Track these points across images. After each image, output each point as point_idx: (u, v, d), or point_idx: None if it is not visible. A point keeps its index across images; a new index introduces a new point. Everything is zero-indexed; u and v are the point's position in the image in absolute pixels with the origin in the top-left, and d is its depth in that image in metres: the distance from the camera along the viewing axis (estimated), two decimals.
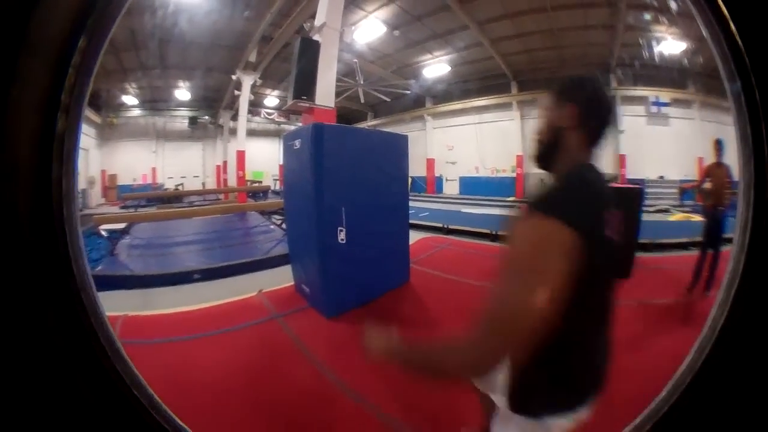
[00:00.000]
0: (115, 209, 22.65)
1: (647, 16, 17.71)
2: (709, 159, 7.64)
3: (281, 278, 8.37)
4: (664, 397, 1.41)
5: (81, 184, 24.99)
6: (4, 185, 1.14)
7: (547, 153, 1.99)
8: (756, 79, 1.20)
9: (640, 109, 23.55)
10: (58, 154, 1.24)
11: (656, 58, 20.31)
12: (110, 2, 1.26)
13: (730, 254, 1.35)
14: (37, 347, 1.19)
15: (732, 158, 7.34)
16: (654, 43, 19.45)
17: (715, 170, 7.26)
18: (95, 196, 28.12)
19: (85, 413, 1.28)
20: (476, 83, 28.04)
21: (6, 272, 1.14)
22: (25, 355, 1.18)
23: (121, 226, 13.12)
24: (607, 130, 1.95)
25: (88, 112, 26.12)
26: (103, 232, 11.58)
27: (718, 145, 7.39)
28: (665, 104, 23.11)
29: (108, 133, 30.23)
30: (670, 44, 19.26)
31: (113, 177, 30.05)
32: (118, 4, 1.29)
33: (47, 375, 1.21)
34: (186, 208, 18.42)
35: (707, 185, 7.38)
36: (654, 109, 23.27)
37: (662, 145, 22.95)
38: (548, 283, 1.46)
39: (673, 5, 16.23)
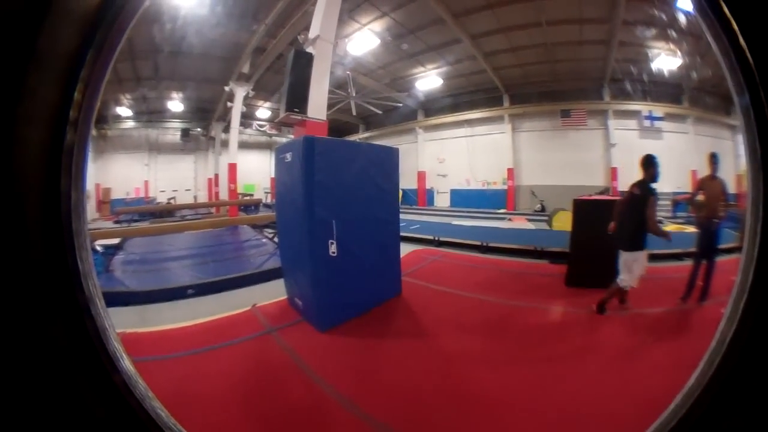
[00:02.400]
0: (109, 224, 22.48)
1: (643, 32, 17.77)
2: (703, 172, 7.79)
3: (274, 292, 8.39)
4: (673, 410, 1.41)
5: None
6: (13, 198, 1.17)
7: None
8: (765, 92, 1.22)
9: (632, 123, 23.57)
10: (67, 168, 1.27)
11: (650, 73, 20.38)
12: (118, 16, 1.30)
13: (739, 267, 1.36)
14: (44, 360, 1.21)
15: (726, 172, 7.49)
16: (648, 59, 19.55)
17: (710, 183, 7.41)
18: (90, 211, 27.78)
19: (91, 426, 1.30)
20: (468, 96, 28.07)
21: (15, 285, 1.17)
22: (33, 368, 1.20)
23: (116, 241, 13.10)
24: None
25: None
26: (98, 248, 11.56)
27: (713, 158, 7.54)
28: (659, 118, 23.16)
29: (102, 146, 29.98)
30: (664, 60, 19.34)
31: (107, 191, 29.84)
32: (126, 17, 1.33)
33: (54, 387, 1.23)
34: (178, 223, 18.45)
35: (700, 197, 7.52)
36: (647, 123, 23.30)
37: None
38: None
39: (669, 21, 16.27)
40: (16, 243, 1.18)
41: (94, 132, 28.26)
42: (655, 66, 19.97)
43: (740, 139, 1.35)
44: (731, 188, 7.46)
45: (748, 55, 1.22)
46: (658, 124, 23.27)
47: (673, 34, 16.92)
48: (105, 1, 1.27)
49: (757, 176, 1.29)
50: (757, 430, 1.27)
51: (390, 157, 8.47)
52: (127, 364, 1.41)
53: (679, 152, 22.09)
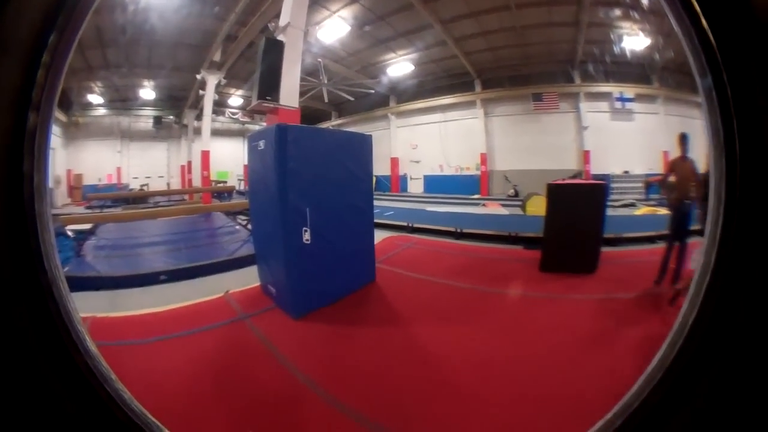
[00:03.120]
0: (80, 209, 22.28)
1: (611, 13, 17.83)
2: (674, 153, 7.79)
3: (247, 279, 8.39)
4: (635, 392, 1.44)
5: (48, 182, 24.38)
6: None
7: None
8: (727, 74, 1.24)
9: (604, 105, 23.69)
10: (29, 150, 1.29)
11: (620, 54, 20.41)
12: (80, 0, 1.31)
13: (701, 249, 1.39)
14: (6, 343, 1.24)
15: (697, 152, 7.54)
16: (618, 39, 19.63)
17: (680, 164, 7.43)
18: (61, 196, 27.64)
19: (56, 410, 1.32)
20: (440, 81, 28.04)
21: None
22: None
23: (87, 226, 12.99)
24: None
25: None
26: (69, 233, 11.47)
27: (683, 139, 7.56)
28: (629, 100, 23.28)
29: (73, 132, 29.62)
30: (634, 40, 19.45)
31: (79, 177, 29.51)
32: (87, 1, 1.34)
33: (17, 371, 1.26)
34: (151, 209, 18.26)
35: (672, 179, 7.53)
36: (618, 104, 23.41)
37: (627, 140, 23.12)
38: None
39: (638, 1, 16.34)
40: None
41: (64, 118, 28.01)
42: (624, 47, 20.07)
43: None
44: (702, 168, 7.50)
45: (711, 36, 1.24)
46: (629, 105, 23.46)
47: (640, 14, 17.02)
48: None
49: (719, 158, 1.31)
50: (717, 413, 1.29)
51: (363, 144, 8.48)
52: (89, 345, 1.42)
53: (650, 133, 22.35)
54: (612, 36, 19.49)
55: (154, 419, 1.53)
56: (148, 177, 32.54)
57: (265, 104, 11.23)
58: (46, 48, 1.26)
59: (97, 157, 31.01)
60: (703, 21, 1.24)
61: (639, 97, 23.37)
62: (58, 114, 27.40)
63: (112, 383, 1.44)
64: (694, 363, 1.33)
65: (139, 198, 25.29)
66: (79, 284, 8.22)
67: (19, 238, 1.28)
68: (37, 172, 1.32)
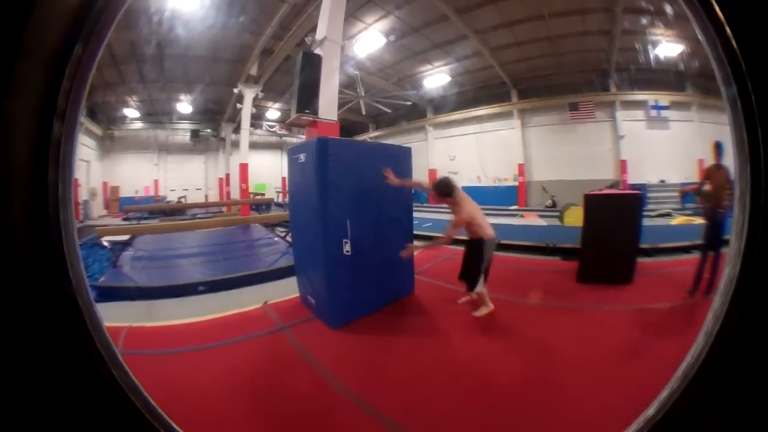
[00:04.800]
0: (117, 221, 22.60)
1: (644, 20, 17.72)
2: (709, 161, 7.67)
3: (286, 290, 8.39)
4: (662, 402, 1.42)
5: (83, 195, 25.15)
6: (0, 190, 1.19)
7: None
8: (752, 83, 1.22)
9: (639, 113, 23.47)
10: (54, 159, 1.29)
11: (654, 62, 20.27)
12: (106, 9, 1.31)
13: (727, 258, 1.37)
14: (31, 351, 1.24)
15: (731, 160, 7.43)
16: (651, 47, 19.46)
17: (715, 172, 7.29)
18: (97, 208, 28.05)
19: (80, 419, 1.32)
20: (477, 92, 27.99)
21: (1, 276, 1.19)
22: (19, 359, 1.22)
23: (124, 237, 13.13)
24: None
25: (88, 124, 26.00)
26: (106, 244, 11.60)
27: (718, 147, 7.42)
28: (665, 107, 23.00)
29: (109, 146, 30.13)
30: (666, 47, 19.29)
31: (115, 189, 29.96)
32: (113, 11, 1.34)
33: (41, 379, 1.26)
34: (189, 221, 18.43)
35: (707, 187, 7.40)
36: (654, 112, 23.16)
37: (663, 148, 22.82)
38: None
39: (669, 9, 16.22)
40: (3, 234, 1.20)
41: (99, 132, 28.32)
42: (657, 53, 19.90)
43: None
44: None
45: (735, 44, 1.23)
46: (664, 113, 23.15)
47: (673, 20, 16.87)
48: None
49: (744, 168, 1.30)
50: (742, 422, 1.28)
51: (403, 157, 8.49)
52: (115, 354, 1.42)
53: (686, 141, 22.02)
54: (645, 43, 19.32)
55: (179, 429, 1.54)
56: (186, 189, 32.82)
57: (304, 117, 11.29)
58: (71, 57, 1.27)
59: (134, 169, 31.48)
60: (727, 29, 1.24)
61: (674, 105, 23.05)
62: (93, 127, 27.85)
63: (138, 393, 1.44)
64: (718, 373, 1.32)
65: (177, 210, 25.48)
66: (115, 294, 8.34)
67: (44, 247, 1.28)
68: (62, 182, 1.32)
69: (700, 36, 1.34)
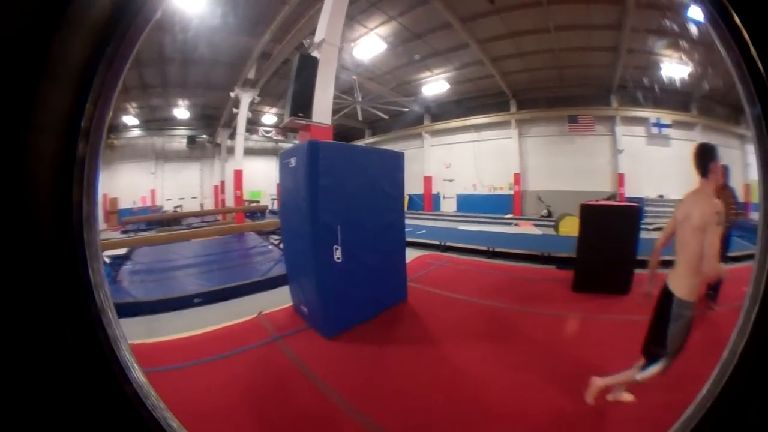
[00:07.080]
0: (116, 234, 22.58)
1: (652, 40, 17.71)
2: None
3: (281, 299, 8.39)
4: (684, 422, 1.40)
5: None
6: (25, 208, 1.16)
7: None
8: None
9: (640, 129, 23.69)
10: (78, 178, 1.27)
11: (659, 81, 20.38)
12: (130, 28, 1.30)
13: (751, 278, 1.33)
14: (56, 371, 1.21)
15: (735, 182, 7.35)
16: (657, 66, 19.53)
17: (721, 192, 7.28)
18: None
19: None
20: (475, 101, 28.11)
21: (27, 296, 1.16)
22: (45, 379, 1.19)
23: (123, 251, 13.15)
24: None
25: None
26: (106, 259, 11.56)
27: (724, 170, 7.42)
28: (666, 126, 23.24)
29: (109, 156, 30.08)
30: (673, 68, 19.31)
31: (114, 201, 29.91)
32: (137, 29, 1.33)
33: (66, 398, 1.23)
34: (185, 231, 18.39)
35: None
36: (655, 130, 23.40)
37: (663, 165, 22.97)
38: None
39: (674, 28, 16.22)
40: (28, 254, 1.17)
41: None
42: (663, 74, 19.93)
43: (749, 148, 1.32)
44: (740, 197, 7.31)
45: (760, 65, 1.20)
46: (665, 131, 23.37)
47: (683, 42, 16.90)
48: (116, 12, 1.27)
49: None
50: None
51: (395, 162, 8.42)
52: (138, 374, 1.42)
53: (687, 160, 21.95)
54: (651, 62, 19.39)
55: None
56: (182, 198, 32.93)
57: (298, 121, 11.21)
58: (95, 75, 1.26)
59: (132, 179, 31.49)
60: (752, 50, 1.21)
61: (676, 124, 23.31)
62: None
63: (160, 411, 1.44)
64: (744, 393, 1.28)
65: (173, 220, 25.57)
66: (117, 311, 8.27)
67: (69, 267, 1.27)
68: (87, 201, 1.31)
69: (724, 56, 1.32)
